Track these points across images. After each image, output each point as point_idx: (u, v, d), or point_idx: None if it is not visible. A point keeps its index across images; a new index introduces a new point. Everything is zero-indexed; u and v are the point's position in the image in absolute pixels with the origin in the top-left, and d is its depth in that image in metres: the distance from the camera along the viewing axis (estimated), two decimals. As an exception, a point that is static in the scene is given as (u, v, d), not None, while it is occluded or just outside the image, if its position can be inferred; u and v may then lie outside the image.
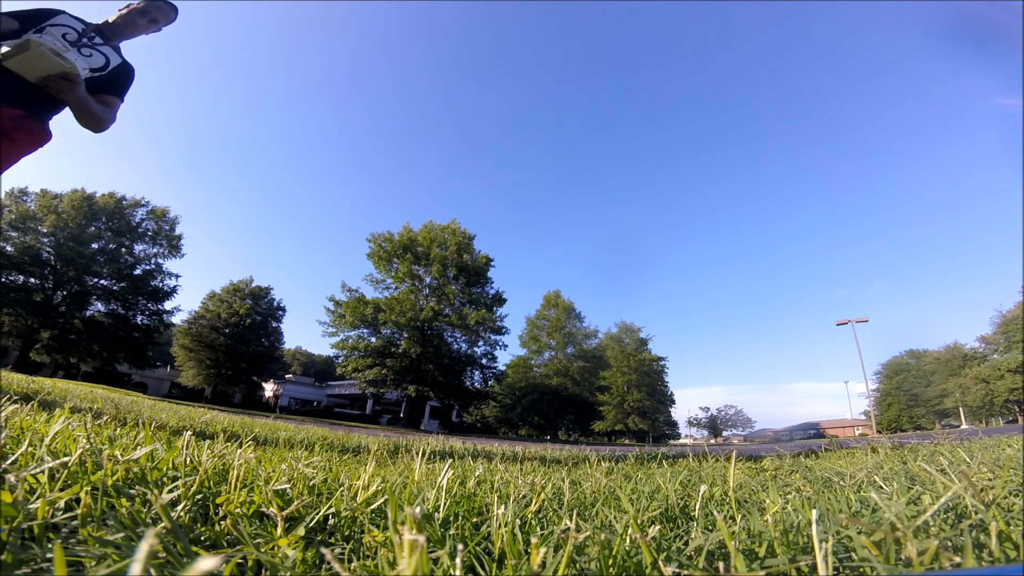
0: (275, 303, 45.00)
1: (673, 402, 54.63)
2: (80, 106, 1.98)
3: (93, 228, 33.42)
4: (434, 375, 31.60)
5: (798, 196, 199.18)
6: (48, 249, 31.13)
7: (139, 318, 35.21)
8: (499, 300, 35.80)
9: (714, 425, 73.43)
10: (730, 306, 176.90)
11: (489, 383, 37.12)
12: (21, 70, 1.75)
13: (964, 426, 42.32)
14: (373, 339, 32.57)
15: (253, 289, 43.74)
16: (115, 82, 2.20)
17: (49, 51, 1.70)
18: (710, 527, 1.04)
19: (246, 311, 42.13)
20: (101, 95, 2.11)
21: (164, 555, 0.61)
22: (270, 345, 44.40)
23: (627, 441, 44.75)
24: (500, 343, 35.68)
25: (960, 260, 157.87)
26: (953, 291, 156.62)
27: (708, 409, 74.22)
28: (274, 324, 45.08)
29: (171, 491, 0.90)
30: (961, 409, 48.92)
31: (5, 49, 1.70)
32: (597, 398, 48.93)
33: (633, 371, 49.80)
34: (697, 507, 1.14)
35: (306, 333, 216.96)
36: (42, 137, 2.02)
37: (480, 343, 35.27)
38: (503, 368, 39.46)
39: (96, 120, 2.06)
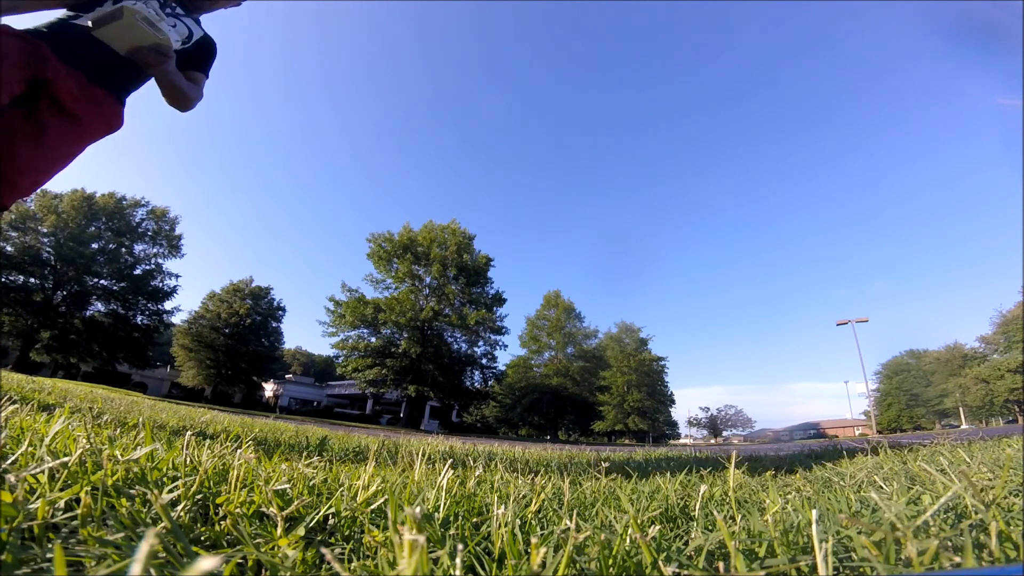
0: (275, 303, 45.05)
1: (673, 402, 54.61)
2: (168, 82, 1.81)
3: (93, 228, 33.44)
4: (434, 375, 31.60)
5: (798, 196, 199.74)
6: (48, 249, 31.13)
7: (139, 318, 35.26)
8: (499, 300, 35.82)
9: (714, 425, 73.40)
10: (730, 306, 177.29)
11: (489, 383, 37.13)
12: (111, 41, 1.58)
13: (964, 426, 42.32)
14: (373, 339, 32.60)
15: (253, 289, 43.76)
16: (199, 56, 2.03)
17: (143, 20, 1.54)
18: (710, 527, 1.03)
19: (246, 311, 42.14)
20: (186, 71, 1.94)
21: (164, 555, 0.61)
22: (270, 345, 44.43)
23: (627, 441, 44.75)
24: (500, 343, 35.75)
25: (960, 260, 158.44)
26: (953, 291, 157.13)
27: (708, 409, 74.29)
28: (274, 324, 45.13)
29: (171, 491, 0.90)
30: (961, 409, 48.89)
31: (90, 20, 1.52)
32: (597, 398, 48.91)
33: (633, 371, 49.79)
34: (697, 507, 1.14)
35: (306, 333, 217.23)
36: (115, 122, 1.82)
37: (480, 343, 35.34)
38: (503, 368, 39.47)
39: (185, 98, 1.91)
